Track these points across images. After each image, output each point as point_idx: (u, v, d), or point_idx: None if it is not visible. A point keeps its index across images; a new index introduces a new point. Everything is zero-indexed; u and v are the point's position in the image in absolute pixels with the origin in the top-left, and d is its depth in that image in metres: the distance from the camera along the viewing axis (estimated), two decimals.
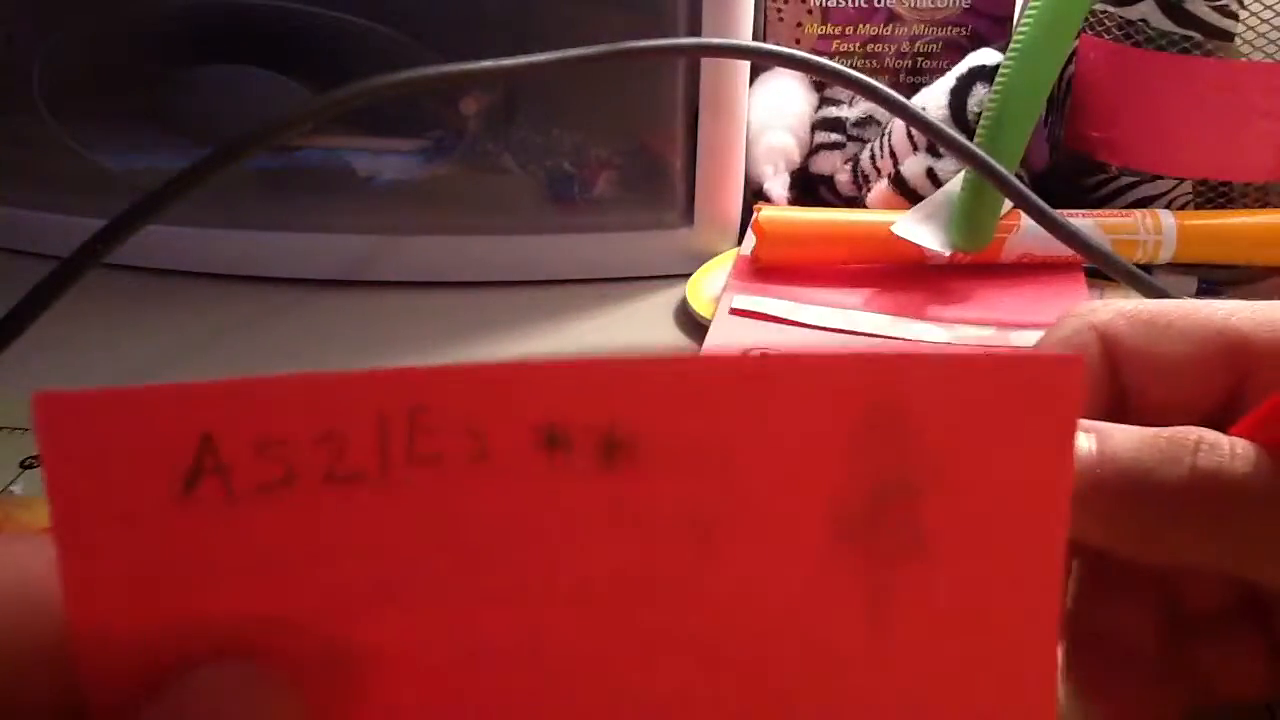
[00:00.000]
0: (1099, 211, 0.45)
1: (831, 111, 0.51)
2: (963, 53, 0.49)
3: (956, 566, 0.16)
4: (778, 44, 0.51)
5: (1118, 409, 0.23)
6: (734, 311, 0.41)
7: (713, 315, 0.42)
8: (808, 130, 0.50)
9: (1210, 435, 0.20)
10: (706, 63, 0.43)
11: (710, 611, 0.16)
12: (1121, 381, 0.23)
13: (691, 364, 0.16)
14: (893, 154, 0.47)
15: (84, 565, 0.14)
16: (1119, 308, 0.23)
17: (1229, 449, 0.20)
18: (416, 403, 0.15)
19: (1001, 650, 0.16)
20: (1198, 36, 0.44)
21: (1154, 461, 0.20)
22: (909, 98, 0.42)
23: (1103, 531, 0.20)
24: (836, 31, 0.53)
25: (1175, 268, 0.44)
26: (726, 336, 0.40)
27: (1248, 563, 0.20)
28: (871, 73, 0.50)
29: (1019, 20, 0.40)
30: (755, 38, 0.47)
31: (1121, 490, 0.20)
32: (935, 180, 0.46)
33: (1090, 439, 0.20)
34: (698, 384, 0.16)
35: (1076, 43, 0.48)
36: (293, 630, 0.15)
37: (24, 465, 0.34)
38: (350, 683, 0.16)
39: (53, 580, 0.15)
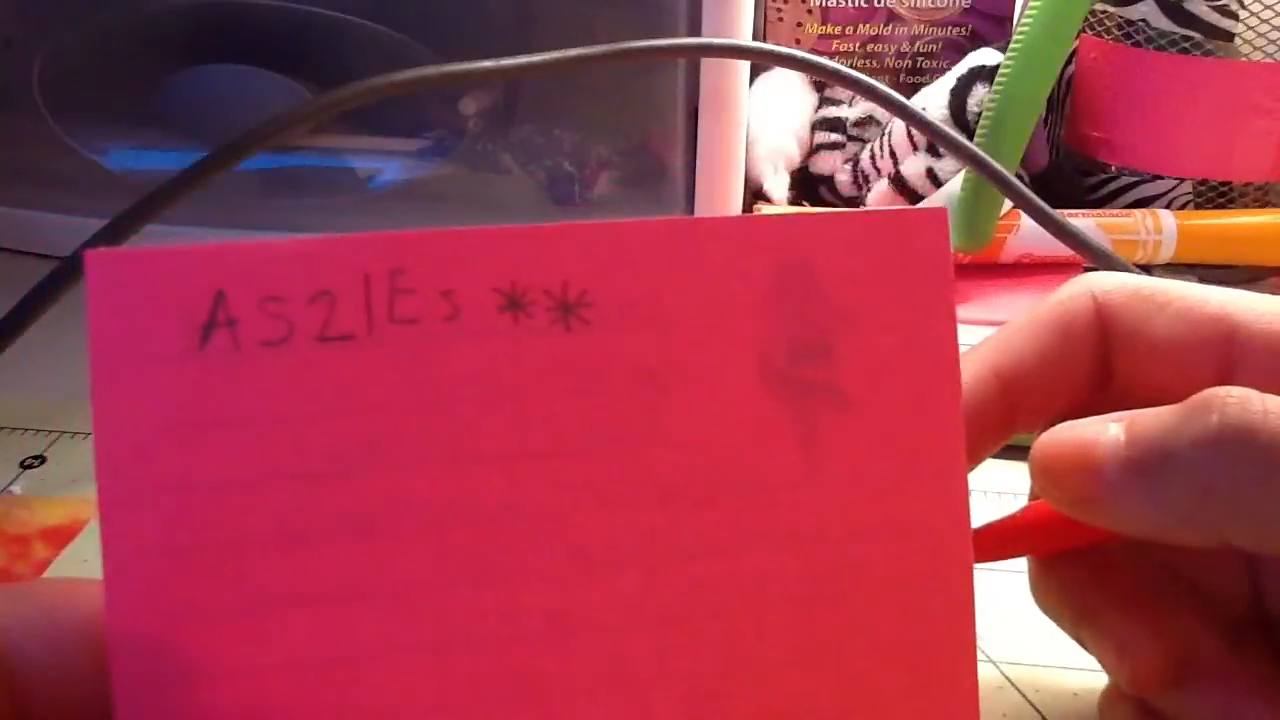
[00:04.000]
0: (1099, 211, 0.45)
1: (831, 111, 0.51)
2: (963, 53, 0.49)
3: (873, 411, 0.18)
4: (778, 44, 0.51)
5: (1102, 383, 0.22)
6: None
7: None
8: (808, 130, 0.50)
9: (1236, 390, 0.19)
10: (706, 63, 0.43)
11: (665, 452, 0.18)
12: (1111, 355, 0.22)
13: (630, 227, 0.17)
14: (893, 154, 0.47)
15: (114, 404, 0.16)
16: (1123, 280, 0.22)
17: (1260, 404, 0.18)
18: (396, 265, 0.17)
19: (919, 480, 0.19)
20: (1198, 36, 0.44)
21: (1178, 421, 0.19)
22: (909, 98, 0.42)
23: (1148, 514, 0.19)
24: (836, 31, 0.53)
25: (1175, 268, 0.44)
26: None
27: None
28: (871, 73, 0.50)
29: (1019, 20, 0.40)
30: (755, 38, 0.47)
31: (1150, 466, 0.19)
32: (935, 180, 0.46)
33: (1119, 425, 0.19)
34: (636, 244, 0.17)
35: (1076, 43, 0.48)
36: (292, 491, 0.16)
37: (24, 465, 0.34)
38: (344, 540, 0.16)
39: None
